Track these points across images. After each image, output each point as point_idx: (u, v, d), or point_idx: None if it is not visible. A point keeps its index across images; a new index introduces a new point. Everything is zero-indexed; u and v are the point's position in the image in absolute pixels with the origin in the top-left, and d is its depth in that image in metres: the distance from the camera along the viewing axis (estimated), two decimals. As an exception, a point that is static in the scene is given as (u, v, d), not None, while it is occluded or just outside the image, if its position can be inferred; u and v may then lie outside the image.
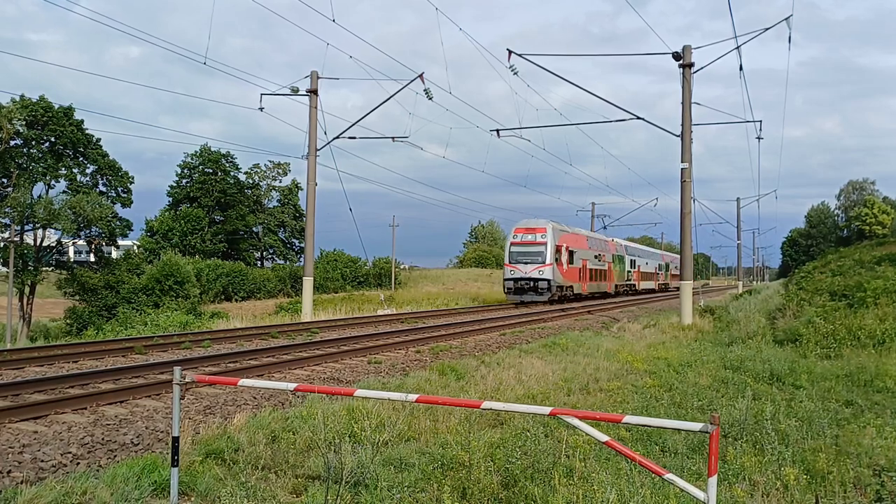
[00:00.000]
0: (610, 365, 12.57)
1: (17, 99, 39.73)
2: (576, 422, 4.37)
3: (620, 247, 53.24)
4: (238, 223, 68.68)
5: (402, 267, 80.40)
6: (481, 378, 10.80)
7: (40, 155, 42.28)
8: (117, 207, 45.57)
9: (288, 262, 72.23)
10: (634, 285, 57.22)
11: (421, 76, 25.28)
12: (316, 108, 26.22)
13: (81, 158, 45.04)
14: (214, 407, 9.16)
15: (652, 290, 65.26)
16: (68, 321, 38.03)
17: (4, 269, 36.74)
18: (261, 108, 26.98)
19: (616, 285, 50.54)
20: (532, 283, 36.09)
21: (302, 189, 70.48)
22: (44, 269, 40.99)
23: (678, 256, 77.14)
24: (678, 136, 23.10)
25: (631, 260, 56.23)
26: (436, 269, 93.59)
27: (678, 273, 76.26)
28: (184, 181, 67.55)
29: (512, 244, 37.51)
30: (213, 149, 66.83)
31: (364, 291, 55.61)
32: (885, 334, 14.60)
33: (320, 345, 16.14)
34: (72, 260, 47.23)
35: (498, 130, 27.98)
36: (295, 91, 26.27)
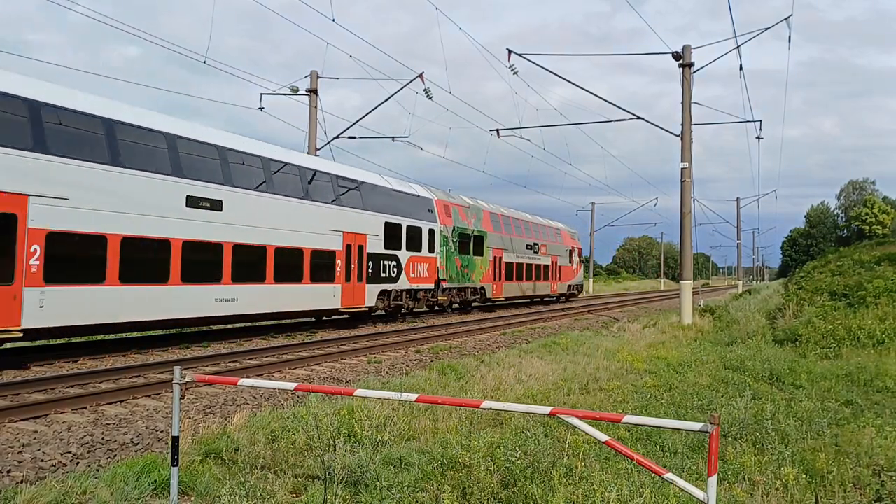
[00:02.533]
0: (610, 365, 12.57)
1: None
2: (576, 421, 4.37)
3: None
4: (238, 223, 68.60)
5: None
6: (481, 378, 10.80)
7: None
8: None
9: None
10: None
11: (421, 76, 25.26)
12: (316, 107, 26.21)
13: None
14: (214, 406, 9.17)
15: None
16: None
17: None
18: (261, 108, 26.90)
19: None
20: None
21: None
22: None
23: (564, 232, 42.04)
24: (678, 135, 23.10)
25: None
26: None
27: (573, 265, 42.53)
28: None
29: None
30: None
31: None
32: (884, 334, 14.60)
33: (320, 344, 16.15)
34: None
35: (498, 130, 27.97)
36: (295, 91, 26.23)
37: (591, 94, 24.30)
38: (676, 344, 16.63)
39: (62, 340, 14.61)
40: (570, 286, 43.20)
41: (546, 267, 37.83)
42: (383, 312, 23.42)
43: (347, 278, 20.22)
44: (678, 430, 6.27)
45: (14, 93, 11.71)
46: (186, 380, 5.17)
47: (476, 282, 29.14)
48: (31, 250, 11.60)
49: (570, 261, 43.01)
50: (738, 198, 63.97)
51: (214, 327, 18.42)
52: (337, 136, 26.97)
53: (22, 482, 5.73)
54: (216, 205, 15.56)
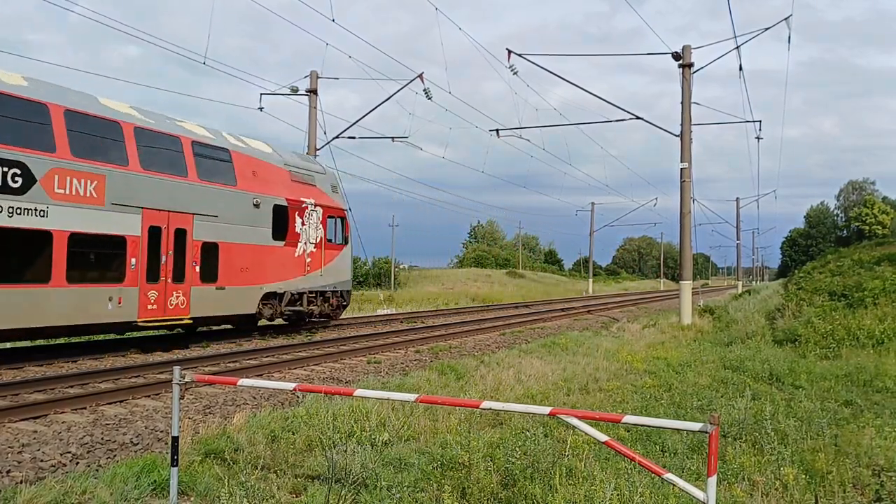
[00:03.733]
0: (609, 365, 12.57)
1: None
2: (575, 421, 4.37)
3: None
4: (237, 223, 68.39)
5: (401, 267, 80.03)
6: (481, 378, 10.80)
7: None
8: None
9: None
10: None
11: (421, 76, 25.28)
12: (315, 107, 26.22)
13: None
14: (214, 407, 9.17)
15: None
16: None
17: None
18: (260, 108, 26.88)
19: None
20: None
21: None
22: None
23: (250, 157, 16.30)
24: (678, 135, 23.11)
25: None
26: (435, 268, 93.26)
27: (303, 244, 17.22)
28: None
29: None
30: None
31: (363, 291, 55.55)
32: (883, 334, 14.61)
33: (320, 344, 16.15)
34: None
35: (497, 130, 27.95)
36: (294, 91, 26.23)
37: (590, 95, 24.34)
38: (676, 344, 16.64)
39: (61, 340, 14.61)
40: (282, 293, 17.68)
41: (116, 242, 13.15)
42: None
43: None
44: (678, 430, 6.27)
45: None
46: (186, 380, 5.17)
47: None
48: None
49: (283, 234, 17.68)
50: (737, 198, 63.96)
51: (215, 328, 18.40)
52: (337, 137, 26.97)
53: (21, 482, 5.73)
54: None
